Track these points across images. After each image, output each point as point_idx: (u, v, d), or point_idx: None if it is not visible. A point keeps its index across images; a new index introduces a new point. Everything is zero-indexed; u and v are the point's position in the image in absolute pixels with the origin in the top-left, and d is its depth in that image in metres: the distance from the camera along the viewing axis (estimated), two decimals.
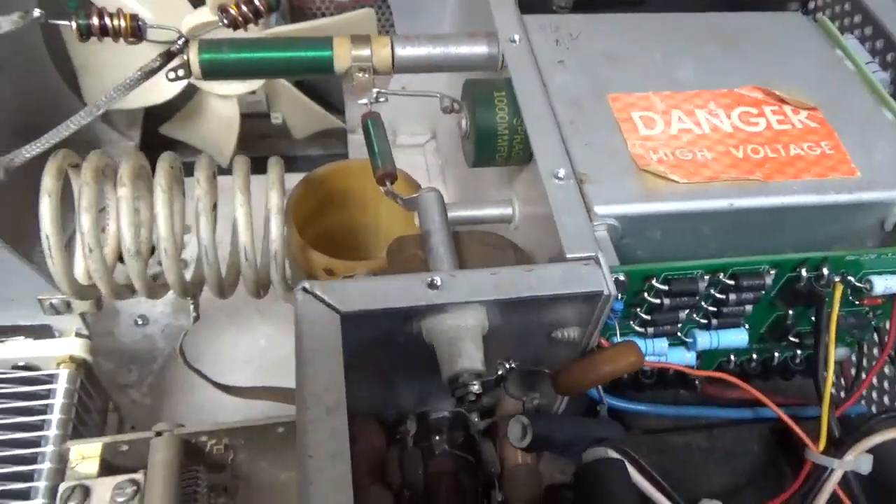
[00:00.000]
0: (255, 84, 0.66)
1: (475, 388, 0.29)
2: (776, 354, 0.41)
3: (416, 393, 0.37)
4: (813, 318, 0.37)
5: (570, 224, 0.32)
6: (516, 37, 0.41)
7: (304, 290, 0.28)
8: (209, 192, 0.36)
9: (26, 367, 0.44)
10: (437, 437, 0.39)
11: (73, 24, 0.42)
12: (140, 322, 0.59)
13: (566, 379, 0.32)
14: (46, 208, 0.35)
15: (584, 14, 0.45)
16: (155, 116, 0.72)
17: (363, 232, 0.49)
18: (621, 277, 0.32)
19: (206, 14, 0.60)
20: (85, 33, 0.43)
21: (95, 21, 0.42)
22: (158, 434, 0.38)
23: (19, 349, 0.43)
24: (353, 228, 0.48)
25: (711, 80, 0.41)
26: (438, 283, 0.29)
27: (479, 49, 0.43)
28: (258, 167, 0.77)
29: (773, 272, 0.35)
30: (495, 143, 0.39)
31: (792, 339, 0.40)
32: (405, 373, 0.35)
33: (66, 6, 0.66)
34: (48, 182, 0.35)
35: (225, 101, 0.67)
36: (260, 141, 0.80)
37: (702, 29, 0.45)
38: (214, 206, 0.40)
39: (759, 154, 0.37)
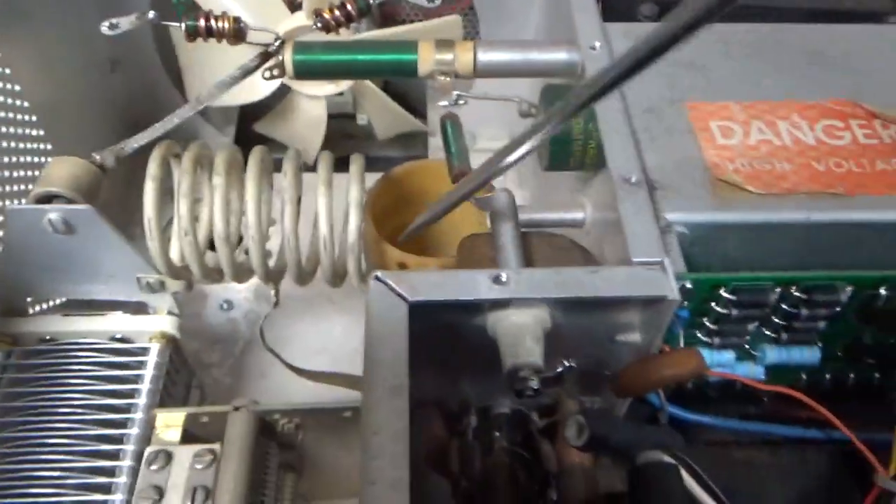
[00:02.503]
0: (343, 86, 0.69)
1: (533, 383, 0.30)
2: (851, 375, 0.40)
3: (479, 386, 0.38)
4: (893, 341, 0.36)
5: (637, 228, 0.33)
6: (597, 44, 0.42)
7: (377, 278, 0.30)
8: (294, 185, 0.39)
9: (122, 340, 0.47)
10: (497, 433, 0.40)
11: (182, 25, 0.46)
12: (225, 306, 0.63)
13: (625, 379, 0.32)
14: (150, 192, 0.38)
15: None
16: (248, 114, 0.76)
17: (437, 229, 0.50)
18: (688, 285, 0.33)
19: (301, 19, 0.63)
20: (192, 33, 0.46)
21: (202, 23, 0.46)
22: (236, 409, 0.41)
23: (117, 322, 0.47)
24: (428, 226, 0.50)
25: (797, 92, 0.40)
26: (504, 280, 0.30)
27: (560, 56, 0.44)
28: (342, 166, 0.80)
29: (849, 289, 0.34)
30: (570, 148, 0.39)
31: (869, 360, 0.38)
32: (469, 365, 0.36)
33: (173, 7, 0.71)
34: (153, 168, 0.38)
35: (314, 101, 0.70)
36: (344, 141, 0.83)
37: (791, 41, 0.44)
38: (299, 200, 0.42)
39: (843, 168, 0.36)
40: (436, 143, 0.81)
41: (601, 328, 0.33)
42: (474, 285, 0.30)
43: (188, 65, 0.69)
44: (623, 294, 0.30)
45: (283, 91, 0.72)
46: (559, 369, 0.32)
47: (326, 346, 0.60)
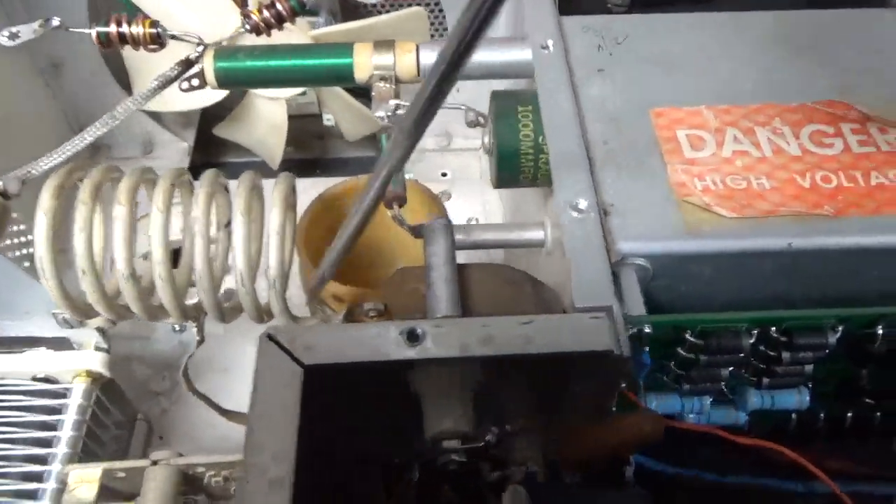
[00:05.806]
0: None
1: (458, 455, 0.25)
2: (849, 414, 0.35)
3: (415, 440, 0.34)
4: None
5: (584, 267, 0.28)
6: (549, 42, 0.37)
7: (269, 337, 0.25)
8: (205, 214, 0.34)
9: (45, 380, 0.43)
10: (445, 487, 0.35)
11: (93, 33, 0.41)
12: (177, 328, 0.58)
13: (567, 453, 0.27)
14: (41, 228, 0.33)
15: (636, 14, 0.40)
16: (212, 116, 0.71)
17: (384, 250, 0.46)
18: (646, 329, 0.28)
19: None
20: (105, 42, 0.42)
21: (114, 28, 0.41)
22: (154, 463, 0.37)
23: (36, 361, 0.43)
24: (374, 247, 0.45)
25: (780, 92, 0.35)
26: (419, 334, 0.25)
27: (513, 56, 0.39)
28: (312, 169, 0.75)
29: (839, 328, 0.29)
30: (518, 163, 0.35)
31: (868, 400, 0.33)
32: (398, 419, 0.31)
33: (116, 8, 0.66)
34: (45, 200, 0.34)
35: (273, 103, 0.65)
36: (315, 141, 0.79)
37: (775, 29, 0.38)
38: (228, 224, 0.38)
39: (832, 183, 0.31)
40: None
41: (542, 383, 0.28)
42: (383, 343, 0.25)
43: (136, 68, 0.64)
44: (559, 350, 0.25)
45: (243, 93, 0.67)
46: (487, 437, 0.27)
47: None
